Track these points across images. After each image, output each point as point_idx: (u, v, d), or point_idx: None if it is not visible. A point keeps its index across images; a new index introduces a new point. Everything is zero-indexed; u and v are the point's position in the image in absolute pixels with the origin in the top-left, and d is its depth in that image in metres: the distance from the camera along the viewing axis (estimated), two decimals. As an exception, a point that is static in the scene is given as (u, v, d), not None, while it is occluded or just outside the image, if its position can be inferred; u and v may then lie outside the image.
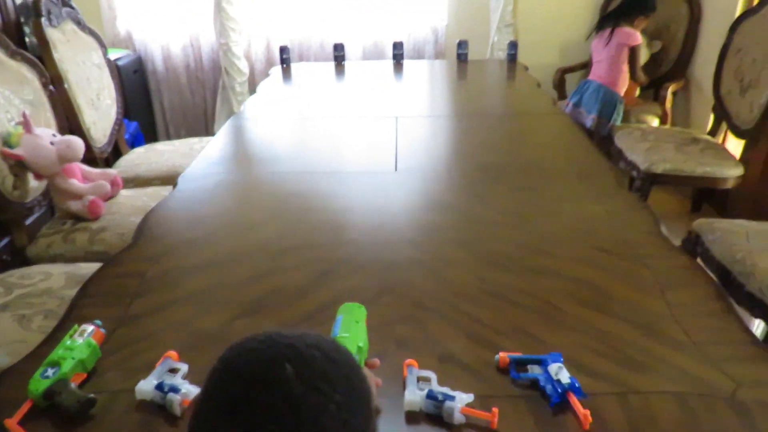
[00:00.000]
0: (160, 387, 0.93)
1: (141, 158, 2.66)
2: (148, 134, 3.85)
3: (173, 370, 0.99)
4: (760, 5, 2.67)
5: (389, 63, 3.37)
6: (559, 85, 3.71)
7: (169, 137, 4.05)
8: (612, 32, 3.15)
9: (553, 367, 0.95)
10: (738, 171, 2.57)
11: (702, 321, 1.10)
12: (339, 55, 3.32)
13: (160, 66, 3.90)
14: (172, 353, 1.01)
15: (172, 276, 1.31)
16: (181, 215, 1.63)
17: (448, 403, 0.89)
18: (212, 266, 1.35)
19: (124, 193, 2.23)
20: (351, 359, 0.62)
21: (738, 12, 2.89)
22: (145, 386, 0.94)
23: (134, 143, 3.36)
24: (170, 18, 3.82)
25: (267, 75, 3.28)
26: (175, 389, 0.93)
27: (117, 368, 1.02)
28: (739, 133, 2.66)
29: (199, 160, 2.00)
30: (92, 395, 0.92)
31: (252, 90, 3.59)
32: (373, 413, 0.63)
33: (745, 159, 2.60)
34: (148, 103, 4.00)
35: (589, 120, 3.22)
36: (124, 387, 0.96)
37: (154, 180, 2.48)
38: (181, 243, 1.47)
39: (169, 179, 2.41)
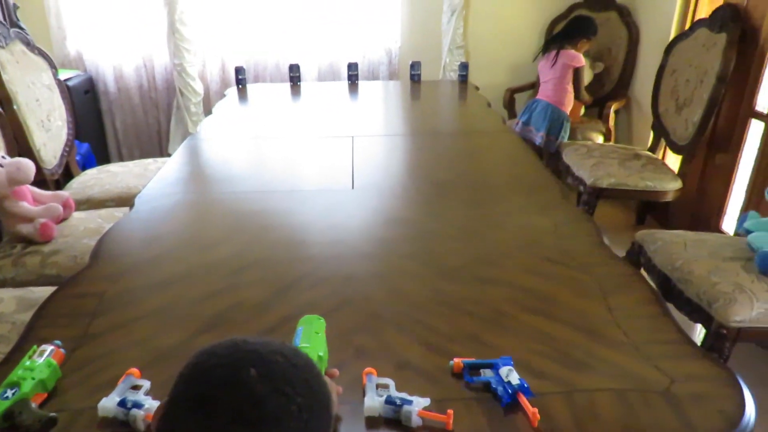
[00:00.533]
0: (122, 403, 0.94)
1: (94, 180, 2.63)
2: (100, 156, 3.79)
3: (135, 387, 1.00)
4: (691, 29, 2.86)
5: (344, 84, 3.44)
6: (509, 104, 3.85)
7: (122, 159, 4.00)
8: (557, 54, 3.30)
9: (504, 370, 1.01)
10: (677, 184, 2.72)
11: (640, 323, 1.18)
12: (294, 75, 3.37)
13: (112, 86, 3.86)
14: (134, 370, 1.03)
15: (131, 295, 1.32)
16: (139, 235, 1.63)
17: (405, 408, 0.94)
18: (171, 284, 1.36)
19: (77, 215, 2.20)
20: (311, 365, 0.66)
21: (672, 35, 3.08)
22: (108, 403, 0.95)
23: (86, 165, 3.31)
24: (122, 38, 3.79)
25: (222, 95, 3.29)
26: (138, 405, 0.94)
27: (78, 387, 1.02)
28: (676, 149, 2.82)
29: (155, 181, 2.00)
30: (53, 414, 0.93)
31: (207, 111, 3.60)
32: (333, 416, 0.67)
33: (682, 173, 2.76)
34: (100, 124, 3.95)
35: (539, 137, 3.35)
36: (86, 405, 0.96)
37: (108, 201, 2.46)
38: (139, 262, 1.48)
39: (124, 200, 2.40)
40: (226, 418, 0.56)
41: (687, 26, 3.00)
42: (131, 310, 1.25)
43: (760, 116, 2.51)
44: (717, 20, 2.64)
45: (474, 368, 1.04)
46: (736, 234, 2.05)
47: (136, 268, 1.44)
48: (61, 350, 1.05)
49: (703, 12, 2.93)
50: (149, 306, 1.27)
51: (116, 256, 1.49)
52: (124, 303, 1.28)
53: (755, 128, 2.56)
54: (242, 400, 0.56)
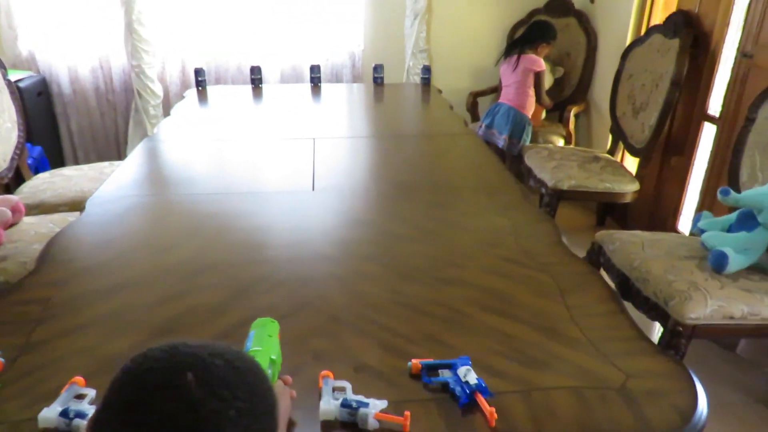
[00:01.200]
0: (65, 413, 0.90)
1: (46, 184, 2.54)
2: (55, 159, 3.67)
3: (80, 396, 0.96)
4: (647, 35, 2.93)
5: (307, 86, 3.41)
6: (472, 107, 3.88)
7: (77, 162, 3.87)
8: (518, 58, 3.34)
9: (462, 370, 1.00)
10: (634, 186, 2.78)
11: (597, 320, 1.18)
12: (256, 78, 3.32)
13: (66, 88, 3.75)
14: (79, 379, 0.98)
15: (79, 301, 1.27)
16: (90, 239, 1.57)
17: (362, 410, 0.92)
18: (123, 289, 1.31)
19: (27, 220, 2.12)
20: (256, 368, 0.63)
21: (628, 41, 3.15)
22: (49, 414, 0.91)
23: (38, 168, 3.19)
24: (77, 38, 3.68)
25: (182, 98, 3.23)
26: (81, 415, 0.90)
27: (18, 397, 0.97)
28: (634, 152, 2.88)
29: (109, 183, 1.94)
30: (-11, 426, 0.88)
31: (167, 113, 3.51)
32: (278, 421, 0.64)
33: (640, 175, 2.82)
34: (54, 126, 3.82)
35: (501, 140, 3.38)
36: (26, 416, 0.92)
37: (60, 206, 2.37)
38: (89, 267, 1.42)
39: (77, 205, 2.32)
40: (159, 425, 0.53)
41: (642, 32, 3.07)
42: (78, 316, 1.20)
43: (712, 119, 2.58)
44: (670, 26, 2.71)
45: (432, 369, 1.03)
46: (692, 234, 2.10)
47: (85, 273, 1.39)
48: (1, 359, 1.00)
49: (658, 18, 3.00)
50: (97, 312, 1.22)
51: (64, 261, 1.43)
52: (71, 309, 1.23)
53: (708, 131, 2.63)
54: (176, 405, 0.54)
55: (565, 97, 3.75)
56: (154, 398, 0.54)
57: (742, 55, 2.36)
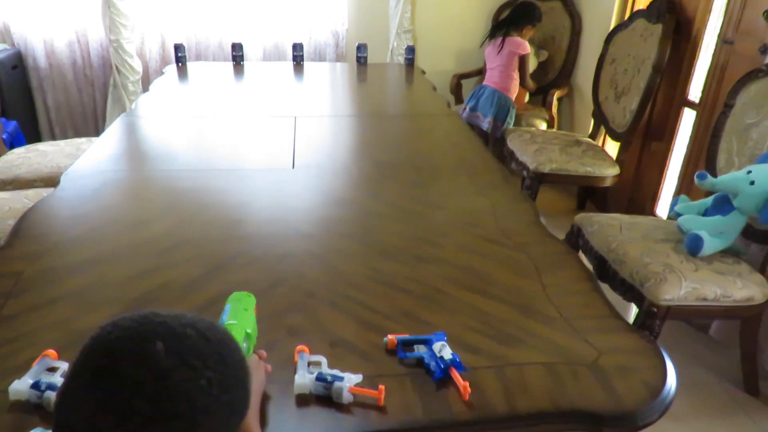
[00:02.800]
0: (36, 386, 0.89)
1: (21, 159, 2.49)
2: (30, 134, 3.60)
3: (52, 369, 0.95)
4: (630, 20, 2.93)
5: (289, 64, 3.37)
6: (456, 89, 3.86)
7: (54, 138, 3.80)
8: (503, 41, 3.33)
9: (437, 345, 1.01)
10: (615, 170, 2.80)
11: (571, 299, 1.20)
12: (237, 55, 3.28)
13: (42, 62, 3.66)
14: (51, 352, 0.97)
15: (51, 275, 1.25)
16: (64, 214, 1.55)
17: (337, 384, 0.92)
18: (97, 264, 1.30)
19: (1, 195, 2.08)
20: (227, 339, 0.62)
21: (612, 25, 3.15)
22: (20, 386, 0.90)
23: (13, 143, 3.13)
24: (53, 11, 3.58)
25: (162, 74, 3.17)
26: (52, 387, 0.89)
27: (-13, 370, 0.96)
28: (615, 136, 2.90)
29: (85, 158, 1.91)
30: (-43, 398, 0.86)
31: (146, 89, 3.46)
32: (250, 393, 0.64)
33: (620, 160, 2.84)
34: (30, 101, 3.73)
35: (486, 123, 3.38)
36: (-5, 389, 0.90)
37: (35, 182, 2.33)
38: (62, 241, 1.40)
39: (53, 181, 2.27)
40: (128, 392, 0.53)
41: (626, 16, 3.07)
42: (50, 290, 1.19)
43: (692, 105, 2.60)
44: (654, 11, 2.71)
45: (408, 344, 1.04)
46: (669, 218, 2.12)
47: (59, 247, 1.37)
48: (-30, 332, 0.99)
49: (642, 3, 3.01)
50: (70, 286, 1.21)
51: (37, 236, 1.41)
52: (43, 283, 1.21)
53: (687, 117, 2.65)
54: (145, 374, 0.53)
55: (549, 81, 3.75)
56: (123, 366, 0.53)
57: (723, 41, 2.38)
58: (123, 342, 0.55)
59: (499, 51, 3.34)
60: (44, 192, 2.10)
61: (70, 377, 0.56)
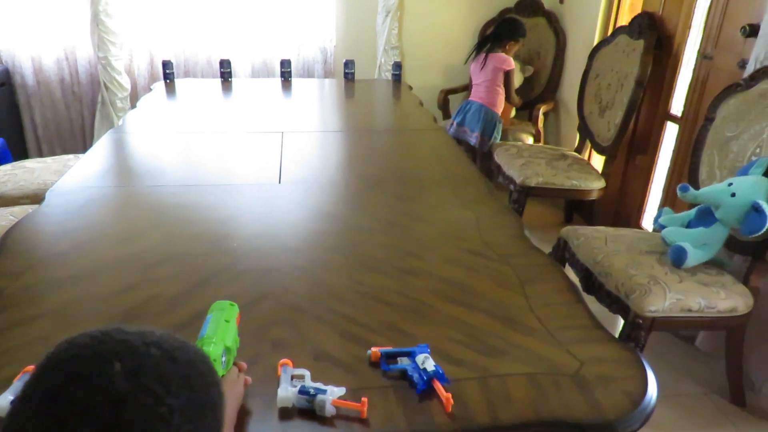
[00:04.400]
0: (15, 402, 0.88)
1: (7, 176, 2.48)
2: (18, 151, 3.58)
3: (32, 385, 0.94)
4: (613, 35, 2.99)
5: (277, 81, 3.39)
6: (443, 105, 3.90)
7: (41, 155, 3.79)
8: (486, 57, 3.37)
9: (420, 357, 1.01)
10: (600, 184, 2.83)
11: (554, 310, 1.21)
12: (226, 71, 3.29)
13: (30, 79, 3.66)
14: (32, 368, 0.96)
15: (34, 291, 1.24)
16: (48, 230, 1.54)
17: (319, 397, 0.92)
18: (81, 280, 1.29)
19: (-14, 211, 2.07)
20: (199, 359, 0.57)
21: (596, 41, 3.20)
22: (1, 402, 0.89)
23: (0, 161, 3.12)
24: (41, 29, 3.59)
25: (150, 90, 3.18)
26: (32, 403, 0.88)
27: (-33, 387, 0.95)
28: (600, 150, 2.93)
29: (71, 174, 1.91)
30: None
31: (134, 106, 3.46)
32: (223, 420, 0.58)
33: (606, 173, 2.87)
34: (17, 118, 3.73)
35: (473, 138, 3.40)
36: (-25, 405, 0.90)
37: (21, 199, 2.32)
38: (46, 258, 1.40)
39: (39, 198, 2.26)
40: (76, 420, 0.47)
41: (609, 32, 3.13)
42: (33, 307, 1.18)
43: (674, 119, 2.64)
44: (636, 27, 2.76)
45: (391, 357, 1.04)
46: (654, 230, 2.14)
47: (43, 263, 1.36)
48: (-50, 348, 0.98)
49: (624, 19, 3.06)
50: (53, 302, 1.20)
51: (21, 252, 1.40)
52: (26, 300, 1.20)
53: (670, 130, 2.69)
54: (98, 399, 0.48)
55: (535, 96, 3.80)
56: (74, 389, 0.48)
57: (703, 56, 2.43)
58: (77, 361, 0.50)
59: (482, 67, 3.38)
60: (30, 209, 2.09)
61: (21, 398, 0.51)
